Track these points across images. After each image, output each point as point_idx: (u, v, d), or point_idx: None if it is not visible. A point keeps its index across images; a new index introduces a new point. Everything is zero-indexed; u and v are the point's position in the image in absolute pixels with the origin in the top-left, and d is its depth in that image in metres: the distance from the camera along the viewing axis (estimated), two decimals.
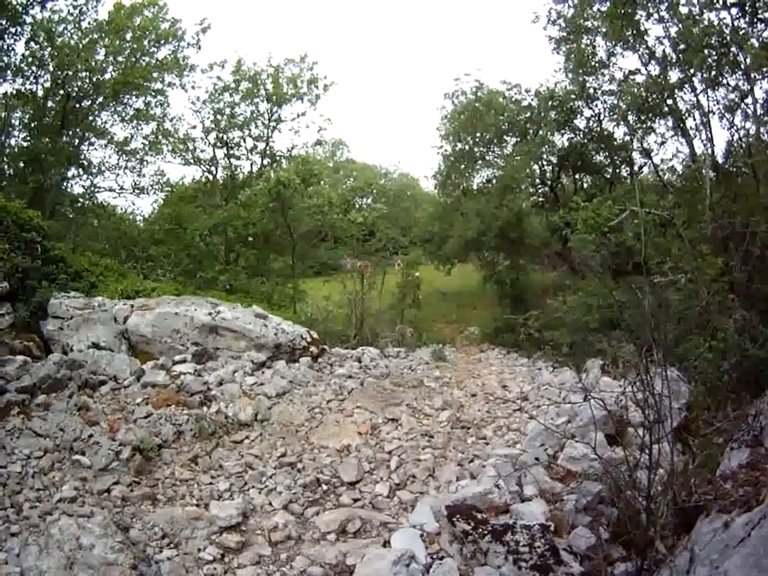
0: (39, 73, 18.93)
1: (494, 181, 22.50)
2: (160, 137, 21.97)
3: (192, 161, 22.82)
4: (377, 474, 6.75)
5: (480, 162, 23.64)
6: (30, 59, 18.53)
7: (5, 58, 18.10)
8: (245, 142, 22.82)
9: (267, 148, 23.10)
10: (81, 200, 21.07)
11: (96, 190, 21.40)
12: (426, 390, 9.81)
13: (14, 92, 18.71)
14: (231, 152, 22.80)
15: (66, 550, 4.79)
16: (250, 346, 10.47)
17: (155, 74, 20.58)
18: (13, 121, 19.39)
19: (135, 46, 19.83)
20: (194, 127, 22.50)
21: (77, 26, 19.22)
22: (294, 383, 9.50)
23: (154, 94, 21.06)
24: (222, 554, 5.19)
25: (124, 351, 10.31)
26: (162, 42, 20.36)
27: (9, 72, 18.40)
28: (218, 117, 22.21)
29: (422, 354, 13.05)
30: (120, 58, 19.75)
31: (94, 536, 4.95)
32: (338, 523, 5.58)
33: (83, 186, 21.23)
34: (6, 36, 17.71)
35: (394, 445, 7.45)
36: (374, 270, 18.00)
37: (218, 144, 22.54)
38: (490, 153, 23.45)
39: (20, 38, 18.08)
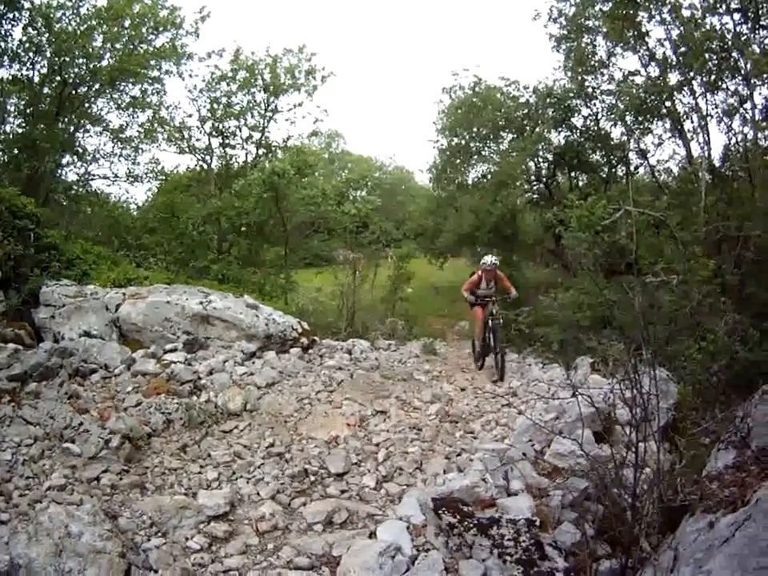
0: (36, 59, 18.82)
1: (489, 176, 22.55)
2: (155, 125, 21.88)
3: (187, 149, 22.69)
4: (364, 465, 6.76)
5: (476, 157, 23.73)
6: (27, 45, 18.43)
7: (1, 44, 18.02)
8: (240, 131, 22.74)
9: (263, 138, 23.01)
10: (75, 187, 20.99)
11: (90, 178, 21.34)
12: (415, 383, 9.82)
13: (10, 77, 18.63)
14: (226, 141, 22.71)
15: (54, 538, 4.77)
16: (241, 336, 10.48)
17: (152, 62, 20.47)
18: (8, 107, 19.32)
19: (133, 33, 19.71)
20: (190, 116, 22.41)
21: (75, 11, 19.10)
22: (284, 374, 9.51)
23: (150, 81, 20.94)
24: (210, 543, 5.19)
25: (115, 339, 10.32)
26: (161, 29, 20.24)
27: (5, 57, 18.31)
28: (215, 106, 22.11)
29: (413, 347, 13.03)
30: (117, 45, 19.63)
31: (83, 524, 4.93)
32: (324, 514, 5.58)
33: (77, 174, 21.15)
34: (3, 21, 17.64)
35: (382, 437, 7.47)
36: (366, 263, 17.98)
37: (214, 133, 22.43)
38: (486, 148, 23.54)
39: (17, 24, 18.01)
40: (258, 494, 6.10)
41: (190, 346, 10.04)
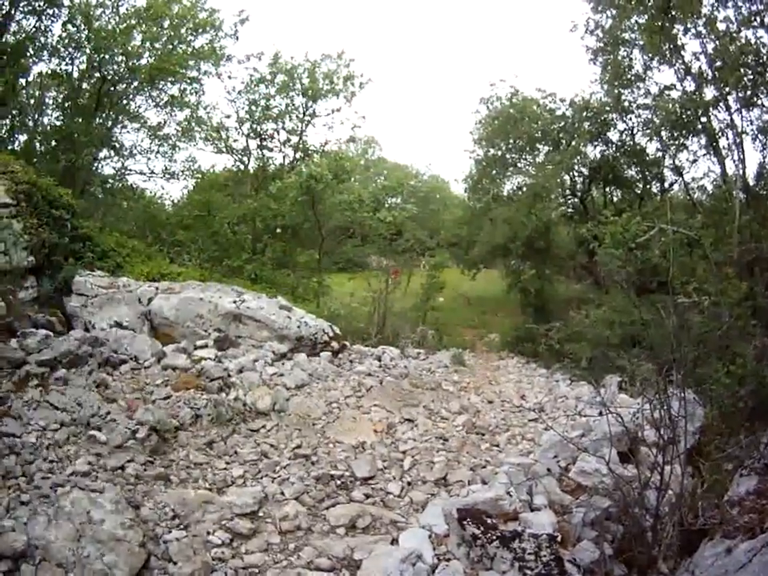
0: (75, 54, 19.16)
1: (525, 188, 22.43)
2: (193, 124, 22.06)
3: (224, 149, 22.86)
4: (390, 472, 6.81)
5: (511, 168, 23.61)
6: (66, 41, 18.74)
7: (42, 39, 18.33)
8: (278, 134, 22.82)
9: (300, 142, 23.10)
10: (111, 181, 21.29)
11: (126, 173, 21.66)
12: (443, 394, 9.83)
13: (50, 72, 18.94)
14: (264, 143, 22.79)
15: (75, 523, 4.88)
16: (272, 337, 10.57)
17: (191, 62, 20.70)
18: (47, 100, 19.65)
19: (172, 33, 19.98)
20: (228, 116, 22.56)
21: (114, 10, 19.44)
22: (314, 376, 9.57)
23: (189, 81, 21.16)
24: (231, 539, 5.27)
25: (146, 332, 10.46)
26: (200, 30, 20.48)
27: (45, 52, 18.64)
28: (253, 108, 22.23)
29: (442, 357, 13.00)
30: (157, 45, 19.92)
31: (105, 511, 5.06)
32: (348, 518, 5.66)
33: (114, 168, 21.49)
34: (43, 17, 17.94)
35: (409, 445, 7.51)
36: (400, 271, 17.97)
37: (252, 135, 22.55)
38: (522, 160, 23.44)
39: (57, 20, 18.33)
40: (283, 493, 6.15)
41: (221, 343, 10.14)
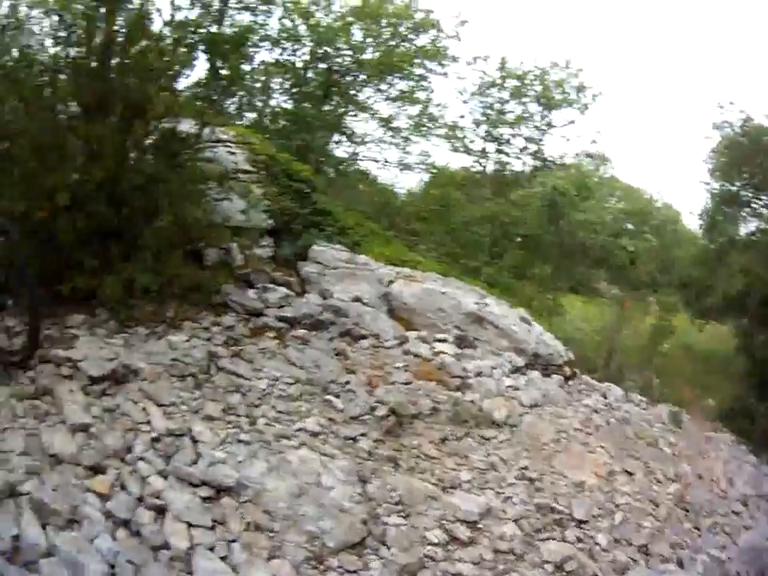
0: (296, 47, 20.26)
1: (760, 234, 20.63)
2: (425, 120, 22.46)
3: (461, 149, 23.14)
4: (601, 522, 6.73)
5: (746, 209, 21.86)
6: (285, 34, 19.84)
7: (260, 31, 19.54)
8: (515, 140, 22.79)
9: (538, 151, 22.93)
10: (344, 164, 22.23)
11: (359, 159, 22.58)
12: (661, 454, 9.35)
13: (273, 61, 20.24)
14: (501, 148, 22.82)
15: (300, 480, 5.20)
16: (510, 348, 10.38)
17: (417, 60, 21.17)
18: (272, 86, 20.88)
19: (393, 31, 20.56)
20: (462, 116, 22.81)
21: (327, 8, 20.56)
22: (546, 398, 9.35)
23: (416, 78, 21.68)
24: (448, 542, 5.45)
25: (384, 313, 10.49)
26: (420, 30, 20.95)
27: (267, 43, 20.00)
28: (487, 111, 22.33)
29: (661, 410, 11.82)
30: (380, 41, 20.66)
31: (336, 479, 5.39)
32: (560, 556, 5.73)
33: (346, 152, 22.59)
34: (257, 12, 18.95)
35: (624, 500, 7.34)
36: (631, 304, 17.27)
37: (488, 138, 22.67)
38: (758, 200, 21.62)
39: (271, 15, 19.60)
40: (504, 511, 6.23)
41: (460, 341, 10.03)
